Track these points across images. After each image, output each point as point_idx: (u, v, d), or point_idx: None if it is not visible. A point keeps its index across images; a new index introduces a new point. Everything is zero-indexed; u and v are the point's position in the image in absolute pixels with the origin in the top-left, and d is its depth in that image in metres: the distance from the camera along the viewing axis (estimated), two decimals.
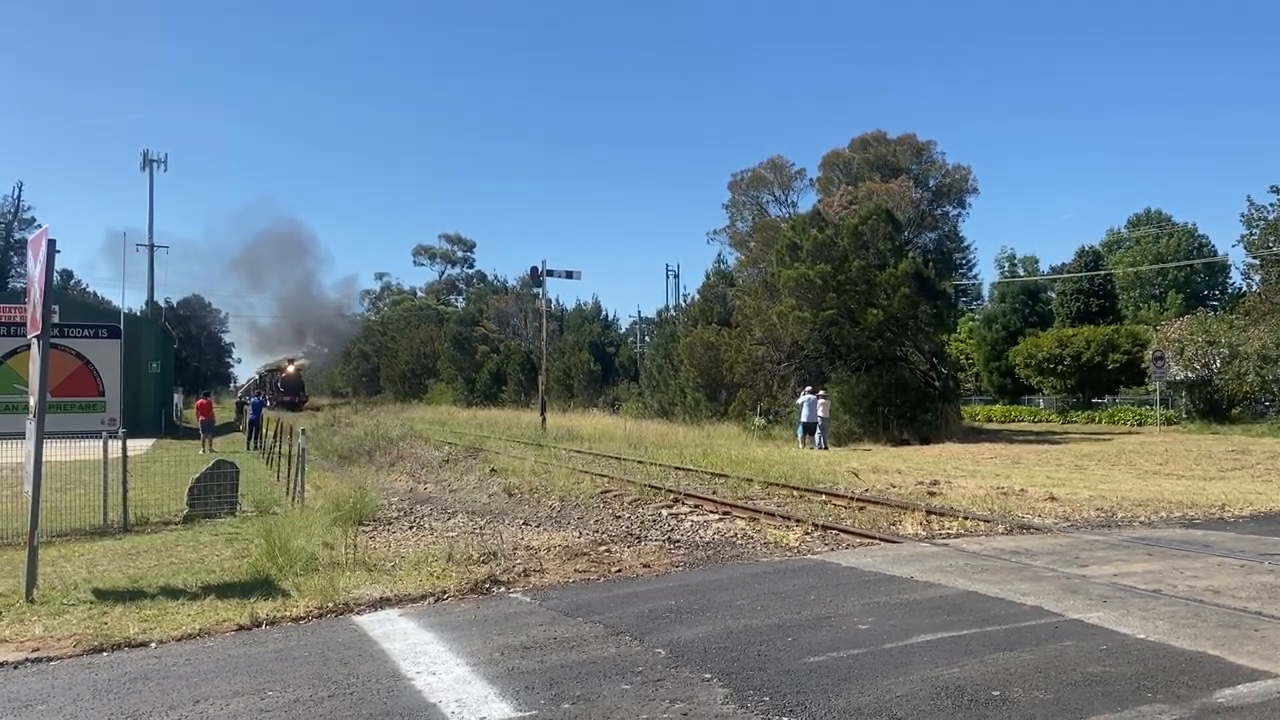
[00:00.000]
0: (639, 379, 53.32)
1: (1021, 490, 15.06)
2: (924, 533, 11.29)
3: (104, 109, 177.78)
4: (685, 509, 14.31)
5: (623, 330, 71.50)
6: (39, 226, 8.88)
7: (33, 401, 9.06)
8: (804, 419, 28.15)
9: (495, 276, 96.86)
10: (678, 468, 19.99)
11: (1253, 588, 7.71)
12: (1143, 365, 40.47)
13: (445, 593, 8.10)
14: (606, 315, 68.29)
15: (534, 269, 41.29)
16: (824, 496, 14.99)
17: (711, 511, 13.96)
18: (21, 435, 9.39)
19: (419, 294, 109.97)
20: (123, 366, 35.58)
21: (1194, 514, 12.49)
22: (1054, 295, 57.46)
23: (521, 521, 12.78)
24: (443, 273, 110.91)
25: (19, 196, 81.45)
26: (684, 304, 57.03)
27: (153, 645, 6.65)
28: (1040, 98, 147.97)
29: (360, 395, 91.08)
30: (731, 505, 14.15)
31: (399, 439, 30.82)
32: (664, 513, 13.81)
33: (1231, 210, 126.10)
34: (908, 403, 31.53)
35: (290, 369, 74.30)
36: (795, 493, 15.54)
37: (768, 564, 9.48)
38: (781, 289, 33.18)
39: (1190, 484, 16.28)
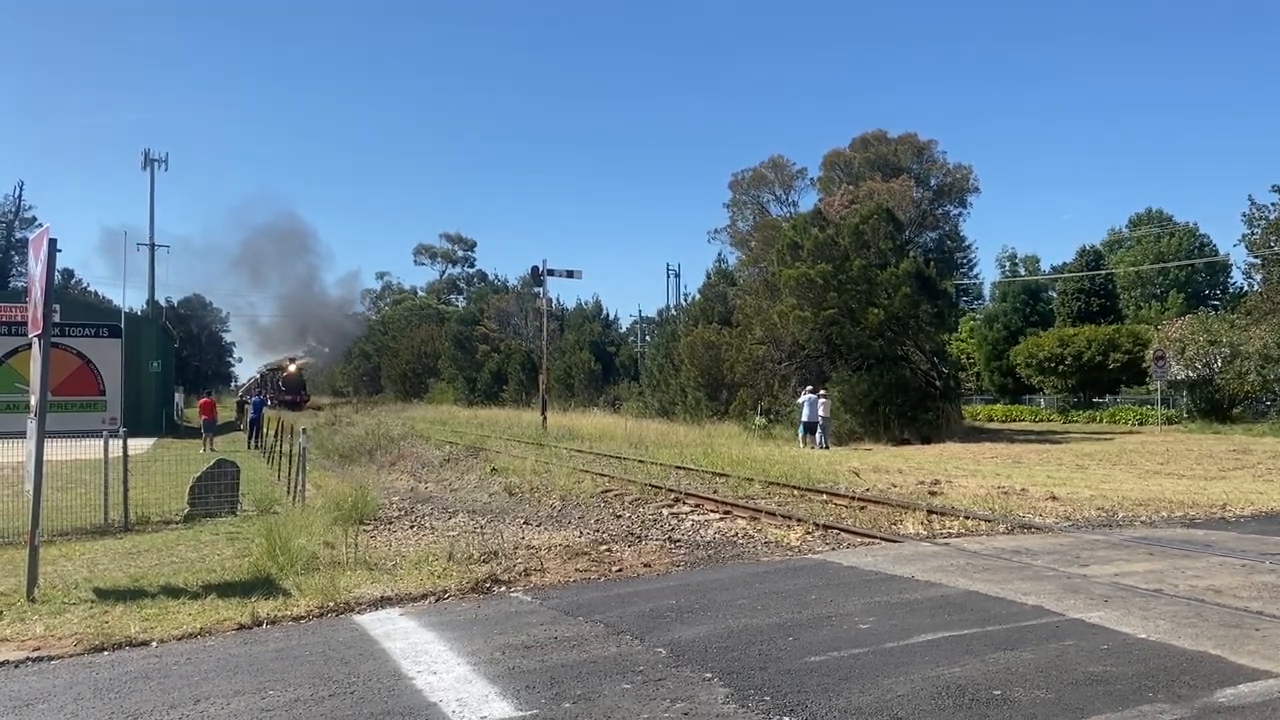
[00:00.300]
0: (640, 378, 53.31)
1: (1022, 490, 15.05)
2: (925, 532, 11.29)
3: (103, 108, 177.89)
4: (686, 508, 14.30)
5: (623, 330, 71.55)
6: (40, 226, 8.89)
7: (34, 400, 9.06)
8: (805, 418, 28.14)
9: (496, 276, 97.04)
10: (678, 467, 19.98)
11: (1254, 587, 7.71)
12: (1144, 365, 40.44)
13: (446, 592, 8.10)
14: (607, 315, 68.35)
15: (534, 268, 41.31)
16: (825, 496, 14.98)
17: (712, 511, 13.96)
18: (23, 434, 9.39)
19: (420, 293, 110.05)
20: (124, 366, 35.58)
21: (1195, 514, 12.48)
22: (1055, 295, 57.43)
23: (522, 521, 12.78)
24: (443, 272, 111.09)
25: (20, 196, 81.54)
26: (685, 303, 57.05)
27: (154, 644, 6.65)
28: (1041, 97, 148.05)
29: (361, 394, 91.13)
30: (732, 505, 14.14)
31: (400, 438, 30.83)
32: (665, 512, 13.81)
33: (1233, 210, 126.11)
34: (909, 402, 31.52)
35: (292, 368, 74.31)
36: (796, 492, 15.53)
37: (769, 563, 9.48)
38: (782, 288, 33.17)
39: (1191, 483, 16.26)
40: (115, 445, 13.49)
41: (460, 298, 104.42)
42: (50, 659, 6.35)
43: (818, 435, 27.86)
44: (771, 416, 33.46)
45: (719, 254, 61.80)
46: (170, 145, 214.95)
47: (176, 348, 51.41)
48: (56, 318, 10.67)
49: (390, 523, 12.76)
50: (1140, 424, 39.43)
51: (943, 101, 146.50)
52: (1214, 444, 26.75)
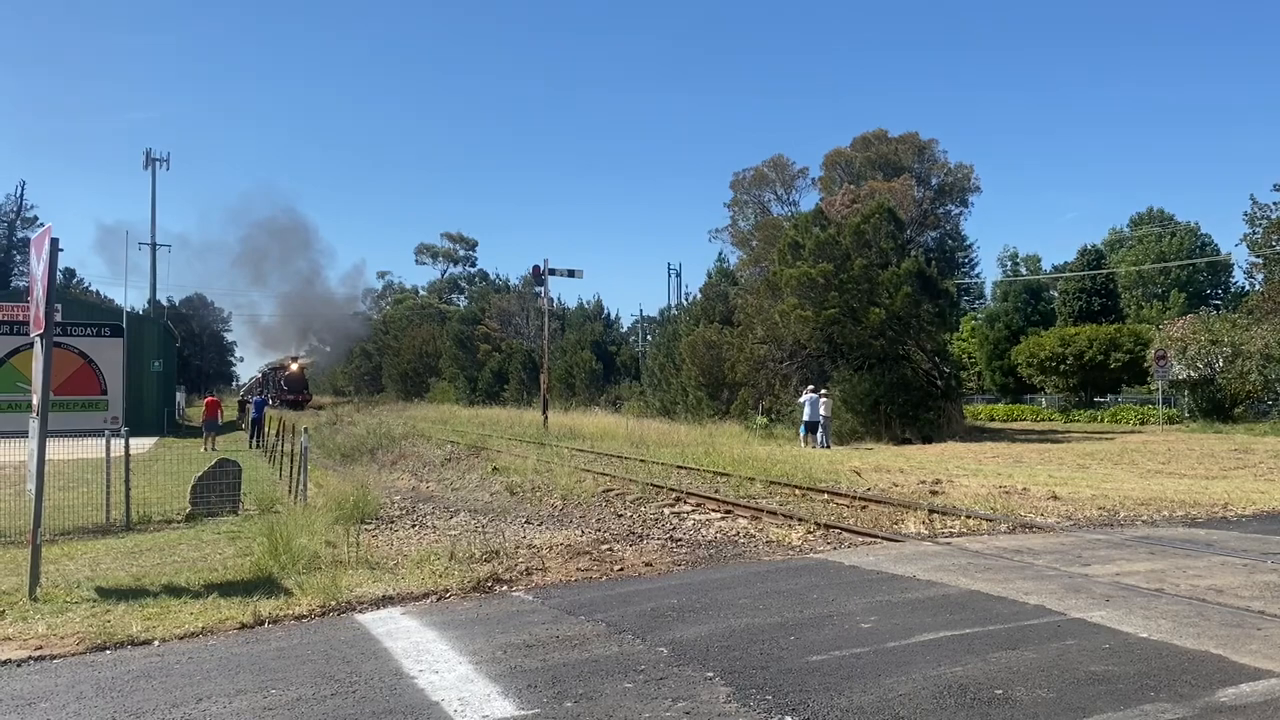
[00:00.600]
0: (641, 378, 53.30)
1: (1024, 489, 15.04)
2: (926, 532, 11.29)
3: (103, 107, 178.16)
4: (687, 508, 14.31)
5: (625, 329, 71.63)
6: (41, 225, 8.89)
7: (36, 400, 9.07)
8: (806, 418, 28.13)
9: (497, 275, 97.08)
10: (680, 466, 19.98)
11: (1256, 587, 7.70)
12: (1145, 364, 40.41)
13: (448, 591, 8.10)
14: (608, 314, 68.37)
15: (536, 268, 41.28)
16: (826, 495, 14.98)
17: (714, 510, 13.96)
18: (24, 434, 9.40)
19: (421, 293, 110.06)
20: (125, 365, 35.60)
21: (1197, 513, 12.47)
22: (1056, 294, 57.40)
23: (524, 520, 12.78)
24: (445, 271, 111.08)
25: (21, 195, 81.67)
26: (686, 303, 57.05)
27: (156, 643, 6.66)
28: (1042, 96, 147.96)
29: (362, 394, 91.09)
30: (734, 504, 14.14)
31: (401, 438, 30.83)
32: (666, 511, 13.81)
33: (1234, 209, 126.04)
34: (910, 402, 31.51)
35: (294, 367, 74.29)
36: (797, 491, 15.53)
37: (770, 563, 9.48)
38: (784, 288, 33.17)
39: (1193, 483, 16.25)
40: (117, 445, 13.51)
41: (461, 297, 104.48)
42: (52, 658, 6.35)
43: (819, 435, 27.86)
44: (773, 416, 33.45)
45: (720, 253, 61.82)
46: (170, 144, 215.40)
47: (178, 347, 51.40)
48: (58, 317, 10.68)
49: (392, 522, 12.77)
50: (1142, 423, 39.41)
51: (944, 101, 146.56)
52: (1215, 443, 26.73)
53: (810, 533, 11.28)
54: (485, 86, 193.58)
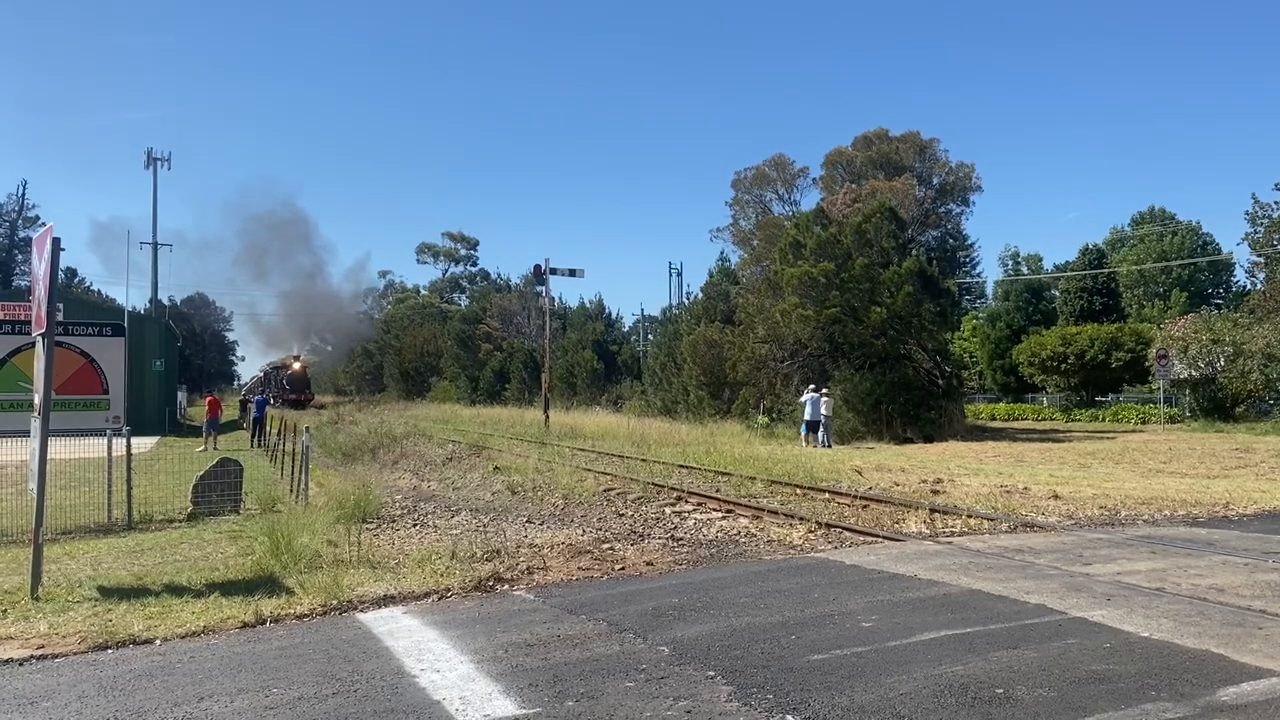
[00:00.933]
0: (642, 377, 53.30)
1: (1025, 488, 15.04)
2: (928, 531, 11.29)
3: (103, 107, 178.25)
4: (688, 507, 14.31)
5: (626, 328, 71.64)
6: (43, 224, 8.91)
7: (37, 399, 9.08)
8: (807, 417, 28.12)
9: (498, 275, 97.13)
10: (681, 466, 19.99)
11: (1257, 586, 7.70)
12: (1146, 364, 40.37)
13: (449, 590, 8.11)
14: (609, 313, 68.37)
15: (537, 267, 41.29)
16: (827, 495, 14.99)
17: (715, 509, 13.96)
18: (26, 433, 9.41)
19: (422, 292, 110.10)
20: (127, 365, 35.58)
21: (1198, 512, 12.47)
22: (1057, 293, 57.35)
23: (525, 519, 12.79)
24: (446, 271, 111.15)
25: (23, 195, 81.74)
26: (687, 302, 57.07)
27: (157, 643, 6.67)
28: (1044, 96, 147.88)
29: (363, 393, 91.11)
30: (735, 503, 14.14)
31: (402, 437, 30.84)
32: (667, 511, 13.81)
33: (1235, 208, 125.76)
34: (911, 401, 31.50)
35: (296, 366, 74.26)
36: (799, 491, 15.53)
37: (771, 562, 9.48)
38: (785, 287, 33.16)
39: (1194, 482, 16.25)
40: (118, 444, 13.52)
41: (463, 296, 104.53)
42: (54, 657, 6.36)
43: (820, 434, 27.85)
44: (774, 415, 33.44)
45: (721, 253, 61.79)
46: (169, 143, 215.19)
47: (179, 346, 51.44)
48: (60, 316, 10.67)
49: (393, 521, 12.78)
50: (1143, 423, 39.39)
51: (945, 100, 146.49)
52: (1217, 443, 26.72)
53: (811, 532, 11.28)
54: (485, 86, 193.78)
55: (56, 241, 8.41)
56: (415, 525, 12.47)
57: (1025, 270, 68.34)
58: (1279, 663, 5.49)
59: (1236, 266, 65.63)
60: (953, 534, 10.96)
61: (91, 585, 8.49)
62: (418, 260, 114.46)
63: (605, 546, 10.50)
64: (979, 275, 70.09)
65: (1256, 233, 42.32)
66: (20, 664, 6.22)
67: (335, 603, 7.60)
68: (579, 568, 9.23)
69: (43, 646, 6.57)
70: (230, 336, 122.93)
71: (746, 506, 13.75)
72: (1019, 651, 5.79)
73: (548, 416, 38.38)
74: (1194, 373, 38.02)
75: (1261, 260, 42.81)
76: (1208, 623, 6.46)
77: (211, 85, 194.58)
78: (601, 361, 58.08)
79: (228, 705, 5.16)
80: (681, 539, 11.11)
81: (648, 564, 9.45)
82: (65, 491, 13.79)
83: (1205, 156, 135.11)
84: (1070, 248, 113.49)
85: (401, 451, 26.91)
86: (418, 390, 77.07)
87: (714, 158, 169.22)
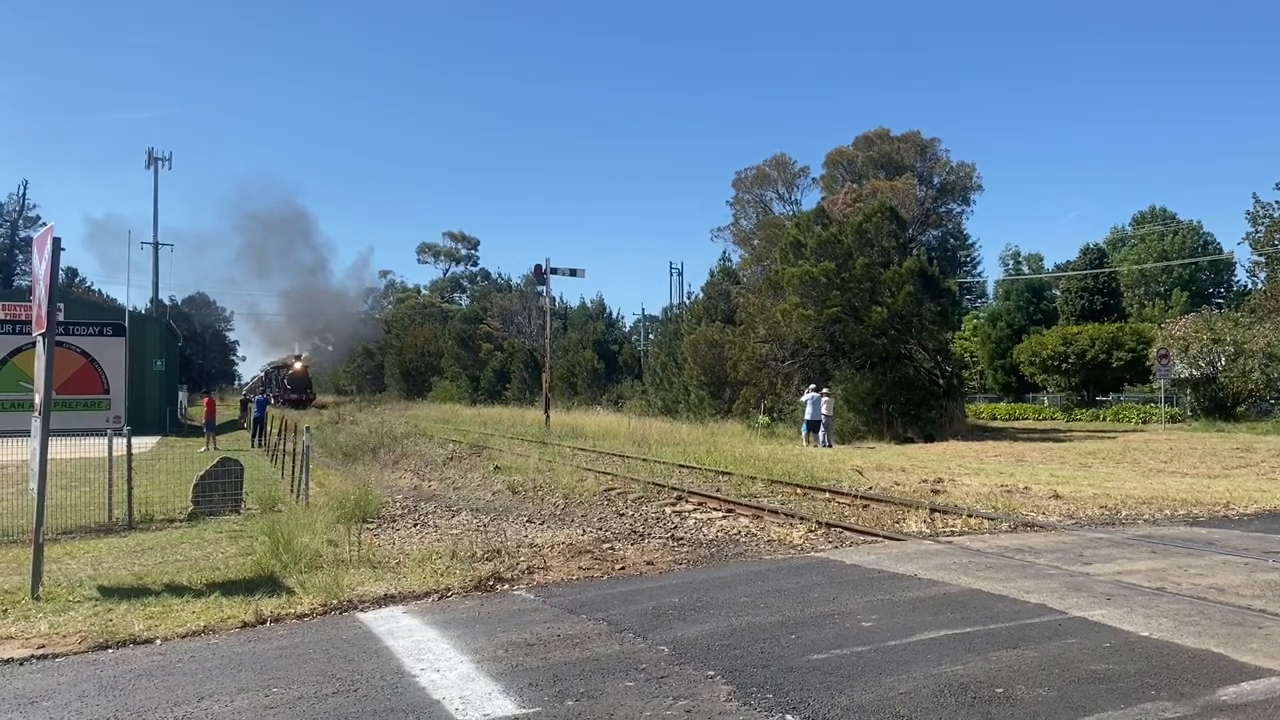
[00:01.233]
0: (643, 377, 53.31)
1: (1025, 488, 15.04)
2: (928, 530, 11.29)
3: (103, 107, 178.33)
4: (689, 506, 14.31)
5: (627, 328, 71.63)
6: (44, 224, 8.92)
7: (38, 399, 9.09)
8: (808, 417, 28.12)
9: (499, 274, 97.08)
10: (681, 465, 19.99)
11: (1257, 585, 7.70)
12: (1147, 363, 40.37)
13: (449, 590, 8.11)
14: (610, 313, 68.37)
15: (537, 267, 41.33)
16: (828, 494, 14.99)
17: (715, 509, 13.96)
18: (27, 433, 9.41)
19: (423, 292, 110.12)
20: (127, 365, 35.62)
21: (1198, 512, 12.47)
22: (1058, 293, 57.35)
23: (525, 519, 12.79)
24: (447, 270, 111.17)
25: (24, 195, 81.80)
26: (688, 302, 57.05)
27: (158, 642, 6.67)
28: (1044, 96, 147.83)
29: (364, 393, 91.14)
30: (735, 503, 14.14)
31: (403, 437, 30.85)
32: (667, 510, 13.81)
33: (1236, 208, 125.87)
34: (912, 401, 31.50)
35: (298, 365, 74.25)
36: (799, 490, 15.53)
37: (771, 562, 9.49)
38: (785, 287, 33.16)
39: (1195, 482, 16.24)
40: (119, 444, 13.53)
41: (463, 296, 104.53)
42: (55, 657, 6.37)
43: (821, 434, 27.85)
44: (775, 415, 33.44)
45: (723, 252, 61.79)
46: (170, 143, 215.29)
47: (180, 346, 51.47)
48: (60, 316, 10.68)
49: (393, 521, 12.78)
50: (1144, 422, 39.39)
51: (946, 100, 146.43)
52: (1218, 442, 26.72)
53: (812, 531, 11.28)
54: (486, 85, 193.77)
55: (57, 241, 8.41)
56: (416, 525, 12.47)
57: (1026, 270, 68.37)
58: (1278, 662, 5.49)
59: (1237, 266, 65.60)
60: (953, 533, 10.96)
61: (92, 585, 8.49)
62: (418, 260, 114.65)
63: (605, 546, 10.50)
64: (980, 275, 70.16)
65: (1257, 232, 42.21)
66: (21, 664, 6.22)
67: (335, 602, 7.60)
68: (579, 567, 9.23)
69: (43, 646, 6.58)
70: (231, 336, 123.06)
71: (747, 506, 13.75)
72: (1019, 651, 5.79)
73: (548, 416, 38.40)
74: (1195, 372, 38.01)
75: (1262, 260, 42.73)
76: (1208, 622, 6.46)
77: (211, 85, 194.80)
78: (602, 361, 58.09)
79: (228, 705, 5.16)
80: (682, 539, 11.11)
81: (648, 564, 9.45)
82: (66, 491, 13.80)
83: (1206, 156, 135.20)
84: (1071, 247, 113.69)
85: (402, 451, 26.92)
86: (418, 390, 77.09)
87: (715, 157, 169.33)
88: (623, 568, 9.23)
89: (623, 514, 13.38)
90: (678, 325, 48.99)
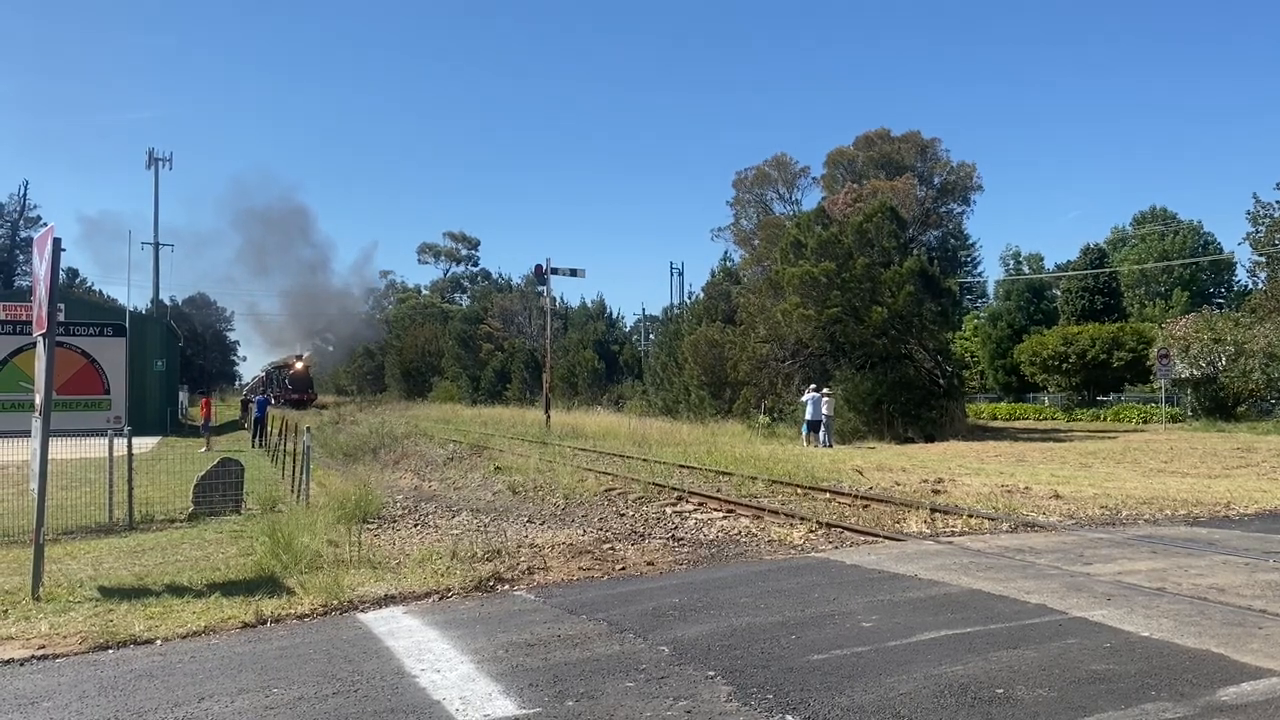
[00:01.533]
0: (643, 377, 53.32)
1: (1026, 488, 15.04)
2: (928, 531, 11.28)
3: (104, 107, 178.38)
4: (689, 507, 14.31)
5: (627, 328, 71.65)
6: (44, 225, 8.92)
7: (38, 399, 9.09)
8: (808, 417, 28.13)
9: (499, 274, 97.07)
10: (682, 466, 19.99)
11: (1257, 586, 7.70)
12: (1148, 363, 40.34)
13: (449, 590, 8.11)
14: (611, 313, 68.41)
15: (538, 267, 41.35)
16: (828, 494, 14.98)
17: (715, 509, 13.96)
18: (27, 433, 9.41)
19: (424, 292, 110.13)
20: (128, 365, 35.66)
21: (1199, 512, 12.47)
22: (1059, 293, 57.34)
23: (525, 519, 12.79)
24: (447, 271, 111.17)
25: (25, 195, 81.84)
26: (688, 302, 57.06)
27: (158, 643, 6.67)
28: (1045, 95, 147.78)
29: (365, 393, 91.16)
30: (735, 503, 14.14)
31: (403, 437, 30.86)
32: (668, 510, 13.81)
33: (1237, 208, 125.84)
34: (912, 401, 31.50)
35: (299, 365, 74.21)
36: (799, 491, 15.53)
37: (771, 562, 9.49)
38: (786, 287, 33.16)
39: (1195, 482, 16.24)
40: (120, 444, 13.53)
41: (464, 296, 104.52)
42: (55, 657, 6.37)
43: (821, 434, 27.85)
44: (775, 415, 33.44)
45: (724, 253, 61.77)
46: (170, 143, 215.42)
47: (181, 346, 51.49)
48: (61, 317, 10.69)
49: (394, 521, 12.78)
50: (1144, 422, 39.37)
51: (946, 100, 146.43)
52: (1218, 442, 26.71)
53: (812, 532, 11.28)
54: (486, 85, 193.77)
55: (57, 242, 8.42)
56: (416, 525, 12.47)
57: (1026, 270, 68.38)
58: (1278, 662, 5.49)
59: (1238, 266, 65.55)
60: (953, 534, 10.96)
61: (92, 585, 8.50)
62: (419, 260, 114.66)
63: (606, 546, 10.50)
64: (980, 275, 70.11)
65: (1258, 232, 42.16)
66: (21, 664, 6.22)
67: (336, 603, 7.61)
68: (580, 568, 9.23)
69: (44, 647, 6.58)
70: (232, 336, 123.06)
71: (747, 506, 13.75)
72: (1019, 651, 5.79)
73: (549, 416, 38.41)
74: (1195, 372, 37.99)
75: (1262, 260, 42.68)
76: (1208, 622, 6.46)
77: (211, 85, 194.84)
78: (603, 361, 58.10)
79: (228, 705, 5.16)
80: (682, 539, 11.12)
81: (648, 564, 9.45)
82: (66, 492, 13.81)
83: (1207, 156, 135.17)
84: (1071, 247, 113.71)
85: (402, 451, 26.92)
86: (419, 390, 77.10)
87: (715, 157, 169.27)
88: (623, 568, 9.23)
89: (623, 514, 13.38)
90: (678, 325, 48.99)
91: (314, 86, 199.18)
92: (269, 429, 28.66)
